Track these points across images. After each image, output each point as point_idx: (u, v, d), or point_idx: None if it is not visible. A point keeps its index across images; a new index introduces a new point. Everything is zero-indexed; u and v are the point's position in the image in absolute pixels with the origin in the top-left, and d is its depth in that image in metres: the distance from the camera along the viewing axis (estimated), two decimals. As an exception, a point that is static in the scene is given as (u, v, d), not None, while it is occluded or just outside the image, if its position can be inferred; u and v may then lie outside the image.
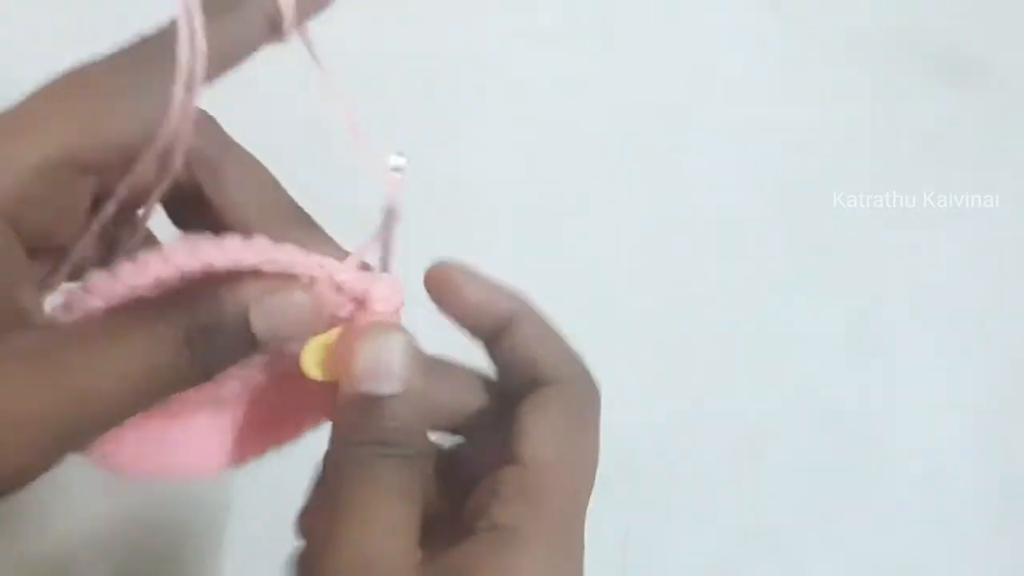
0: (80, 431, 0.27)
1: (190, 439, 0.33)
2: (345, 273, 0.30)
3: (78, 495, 0.49)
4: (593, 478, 0.32)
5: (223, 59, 0.28)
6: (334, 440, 0.30)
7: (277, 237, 0.29)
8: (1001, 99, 0.70)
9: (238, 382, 0.32)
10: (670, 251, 0.63)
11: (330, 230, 0.32)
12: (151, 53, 0.28)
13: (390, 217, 0.31)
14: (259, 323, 0.28)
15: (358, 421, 0.29)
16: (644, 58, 0.68)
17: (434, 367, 0.33)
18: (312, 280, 0.30)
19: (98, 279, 0.28)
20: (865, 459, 0.61)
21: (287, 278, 0.29)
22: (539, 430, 0.31)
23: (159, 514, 0.51)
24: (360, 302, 0.31)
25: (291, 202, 0.32)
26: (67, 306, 0.28)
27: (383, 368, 0.30)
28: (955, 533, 0.60)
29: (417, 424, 0.30)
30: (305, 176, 0.33)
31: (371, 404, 0.29)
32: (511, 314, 0.33)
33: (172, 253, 0.28)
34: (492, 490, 0.30)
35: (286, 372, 0.32)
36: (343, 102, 0.31)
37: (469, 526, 0.30)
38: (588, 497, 0.32)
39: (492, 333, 0.33)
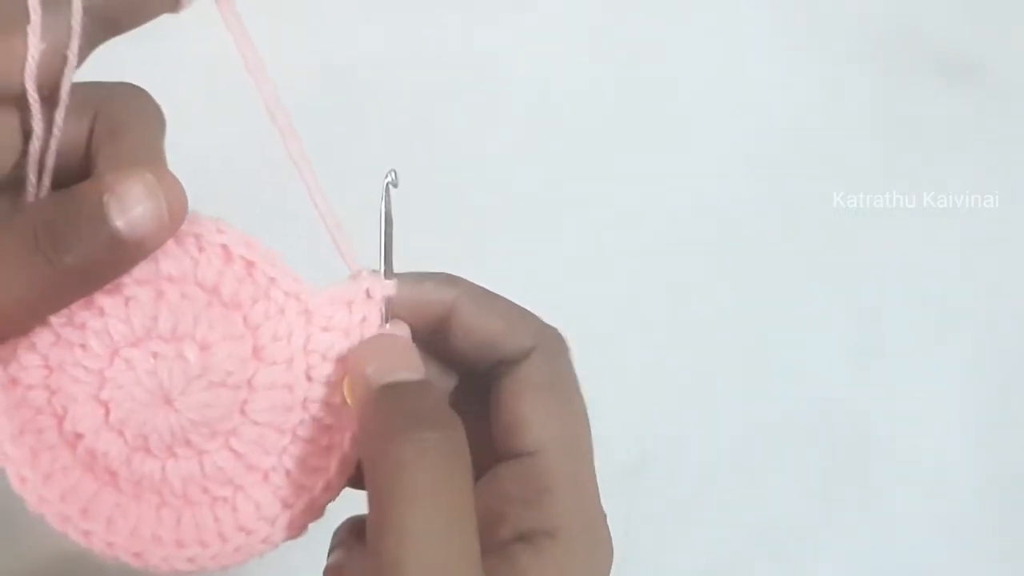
0: None
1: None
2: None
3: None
4: (591, 434, 0.31)
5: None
6: (370, 451, 0.27)
7: None
8: (1001, 99, 0.70)
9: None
10: (670, 251, 0.63)
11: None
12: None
13: (387, 224, 0.31)
14: (113, 208, 0.27)
15: (391, 417, 0.27)
16: (644, 57, 0.68)
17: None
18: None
19: None
20: (865, 458, 0.61)
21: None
22: (534, 416, 0.30)
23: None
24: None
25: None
26: None
27: (399, 357, 0.29)
28: (955, 533, 0.60)
29: (445, 405, 0.28)
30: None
31: (399, 394, 0.28)
32: (451, 301, 0.31)
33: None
34: (507, 493, 0.29)
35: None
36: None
37: (492, 534, 0.29)
38: (593, 456, 0.30)
39: (437, 327, 0.31)
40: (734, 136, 0.66)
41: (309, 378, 0.30)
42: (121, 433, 0.29)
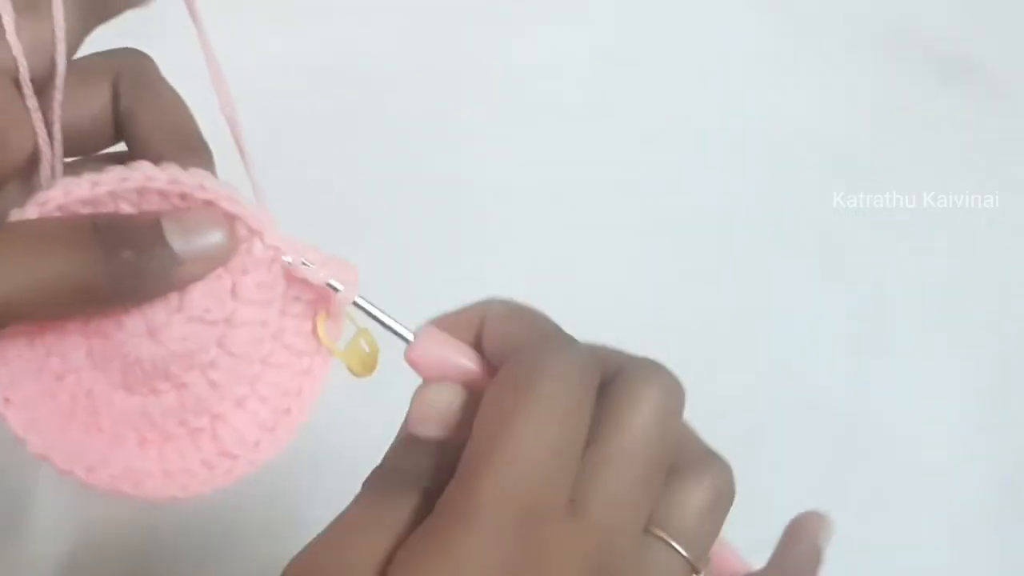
0: None
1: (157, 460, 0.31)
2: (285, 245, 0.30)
3: (77, 497, 0.49)
4: None
5: None
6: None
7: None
8: (1001, 99, 0.70)
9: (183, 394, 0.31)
10: (670, 250, 0.63)
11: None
12: None
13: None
14: (173, 231, 0.28)
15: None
16: (644, 57, 0.68)
17: None
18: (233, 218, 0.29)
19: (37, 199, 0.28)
20: (864, 458, 0.60)
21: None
22: None
23: (163, 516, 0.51)
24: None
25: (198, 135, 0.32)
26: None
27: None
28: (955, 531, 0.60)
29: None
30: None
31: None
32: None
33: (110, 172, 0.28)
34: None
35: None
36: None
37: None
38: None
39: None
40: (734, 136, 0.67)
41: (283, 313, 0.32)
42: (104, 371, 0.30)
